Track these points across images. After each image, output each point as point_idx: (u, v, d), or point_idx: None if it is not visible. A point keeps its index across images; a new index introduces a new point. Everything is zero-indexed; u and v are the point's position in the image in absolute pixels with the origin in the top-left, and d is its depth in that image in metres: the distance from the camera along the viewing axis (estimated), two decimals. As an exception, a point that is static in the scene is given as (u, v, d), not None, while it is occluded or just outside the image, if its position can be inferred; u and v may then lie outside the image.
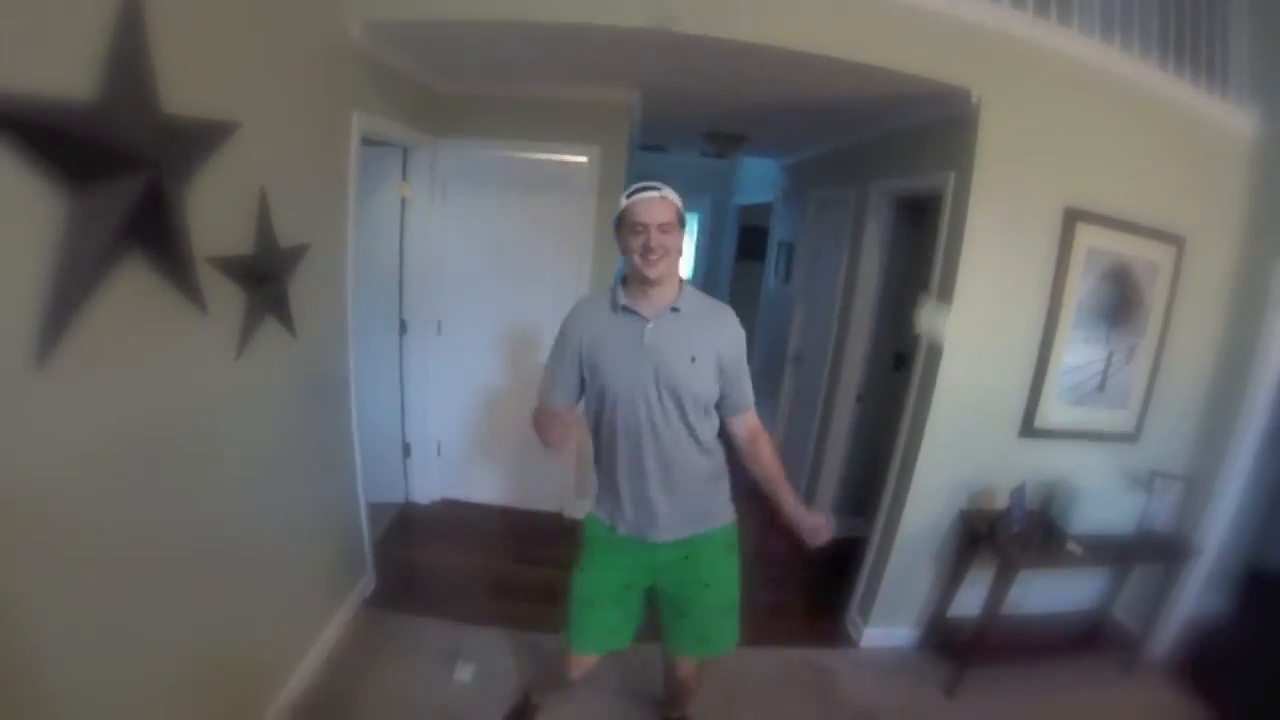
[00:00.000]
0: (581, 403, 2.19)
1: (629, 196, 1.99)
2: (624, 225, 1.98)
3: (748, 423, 2.24)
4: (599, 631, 2.28)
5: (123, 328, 1.65)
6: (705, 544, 2.20)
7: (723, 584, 2.26)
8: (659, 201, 1.95)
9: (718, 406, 2.16)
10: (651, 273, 1.96)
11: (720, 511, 2.25)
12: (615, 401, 2.04)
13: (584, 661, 2.35)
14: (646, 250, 1.94)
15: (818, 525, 2.13)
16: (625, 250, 2.00)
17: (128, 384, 1.72)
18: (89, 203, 1.46)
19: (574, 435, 2.12)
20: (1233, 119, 3.20)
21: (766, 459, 2.23)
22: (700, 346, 2.04)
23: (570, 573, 2.29)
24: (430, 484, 4.65)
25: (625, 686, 3.04)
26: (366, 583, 3.54)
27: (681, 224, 2.02)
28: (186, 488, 2.00)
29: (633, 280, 2.05)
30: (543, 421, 2.15)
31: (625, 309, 2.04)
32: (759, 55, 2.74)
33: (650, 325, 2.02)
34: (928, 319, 2.60)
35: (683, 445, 2.07)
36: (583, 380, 2.13)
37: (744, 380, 2.17)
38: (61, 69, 1.39)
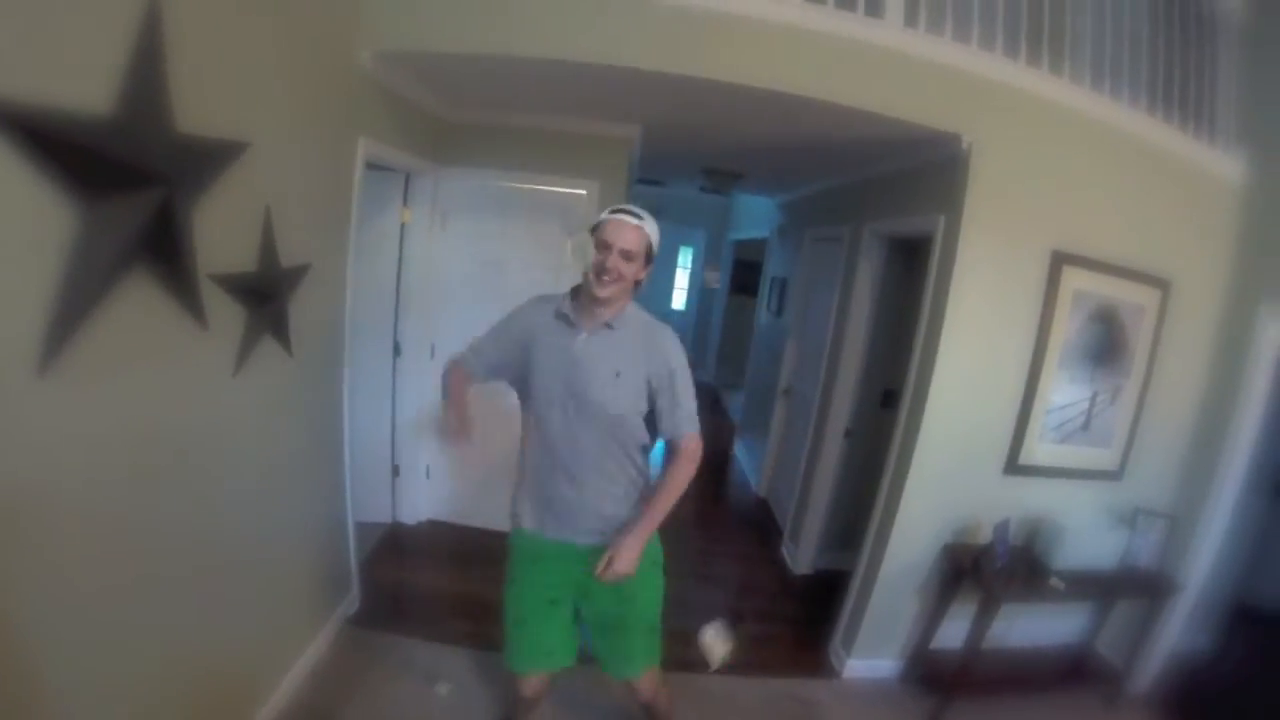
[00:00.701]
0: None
1: (610, 213, 2.03)
2: (594, 239, 2.02)
3: (676, 446, 2.16)
4: (533, 650, 2.29)
5: (124, 339, 1.68)
6: None
7: (644, 603, 2.27)
8: (633, 229, 1.99)
9: (653, 425, 2.17)
10: (600, 292, 2.00)
11: None
12: (539, 403, 2.11)
13: (531, 682, 2.36)
14: (601, 270, 1.98)
15: (624, 566, 2.06)
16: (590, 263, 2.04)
17: (126, 395, 1.74)
18: (101, 215, 1.50)
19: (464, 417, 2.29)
20: (1220, 164, 3.28)
21: (666, 479, 2.15)
22: (627, 364, 2.07)
23: (503, 591, 2.34)
24: (418, 505, 4.65)
25: (616, 710, 3.04)
26: (351, 601, 3.53)
27: (647, 259, 2.06)
28: (178, 499, 2.02)
29: (583, 292, 2.09)
30: (451, 382, 2.33)
31: (565, 317, 2.10)
32: (758, 97, 2.82)
33: (583, 337, 2.07)
34: (711, 644, 2.57)
35: (598, 454, 2.10)
36: (511, 368, 2.21)
37: (679, 404, 2.13)
38: (82, 84, 1.44)
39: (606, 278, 1.98)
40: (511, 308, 2.24)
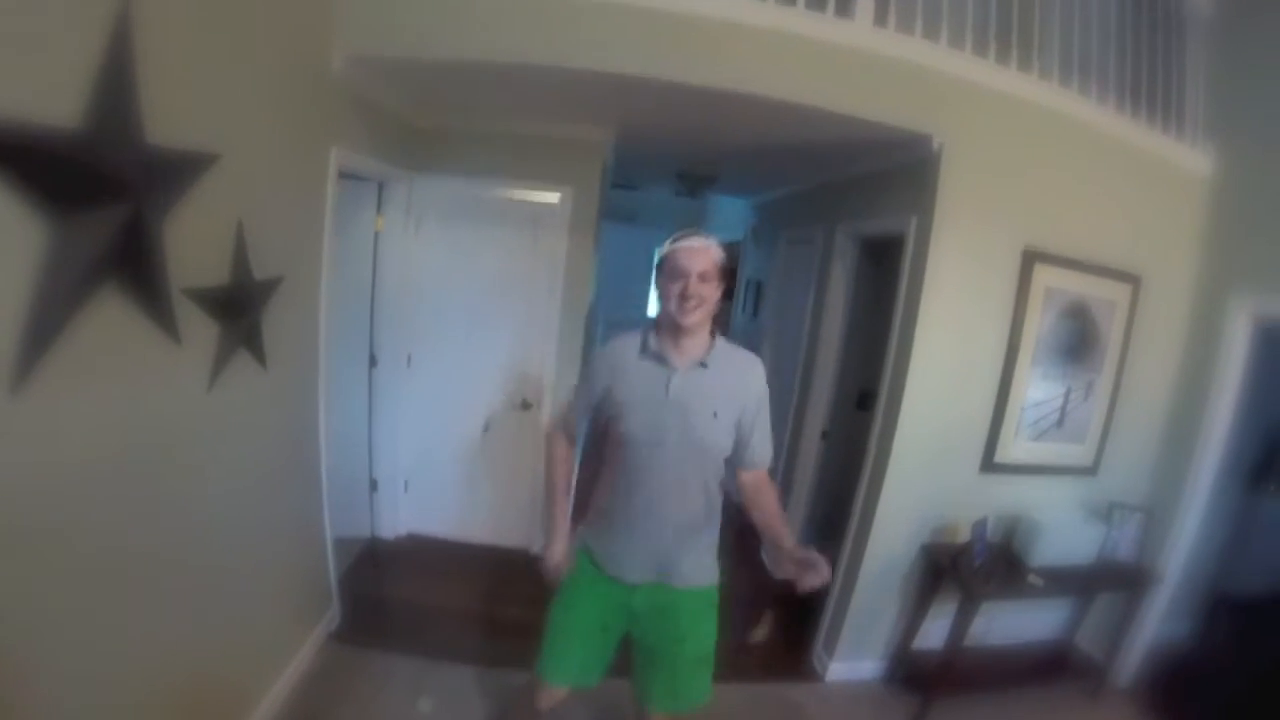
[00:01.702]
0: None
1: (673, 243, 2.02)
2: (664, 271, 2.01)
3: (756, 476, 2.23)
4: (571, 666, 2.27)
5: (97, 356, 1.65)
6: (684, 601, 2.18)
7: (698, 639, 2.24)
8: (701, 252, 1.98)
9: (731, 460, 2.16)
10: (686, 320, 1.96)
11: (705, 573, 2.22)
12: (629, 446, 2.05)
13: (554, 693, 2.33)
14: (684, 298, 1.95)
15: (817, 562, 1.94)
16: (662, 296, 2.01)
17: (100, 412, 1.71)
18: (71, 230, 1.47)
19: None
20: (1188, 160, 3.34)
21: (768, 503, 2.21)
22: (723, 402, 2.05)
23: (546, 607, 2.30)
24: (397, 519, 4.60)
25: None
26: (332, 616, 3.49)
27: (721, 277, 2.03)
28: (155, 517, 1.99)
29: (665, 326, 2.05)
30: (555, 456, 2.35)
31: (655, 355, 2.06)
32: (731, 101, 2.82)
33: (677, 375, 2.02)
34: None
35: (690, 497, 2.09)
36: (597, 413, 2.18)
37: (761, 436, 2.17)
38: (50, 97, 1.41)
39: (690, 304, 1.95)
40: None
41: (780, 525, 2.16)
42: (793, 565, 1.96)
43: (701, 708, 2.32)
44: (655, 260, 2.08)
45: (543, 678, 2.31)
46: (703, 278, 1.96)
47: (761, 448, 2.18)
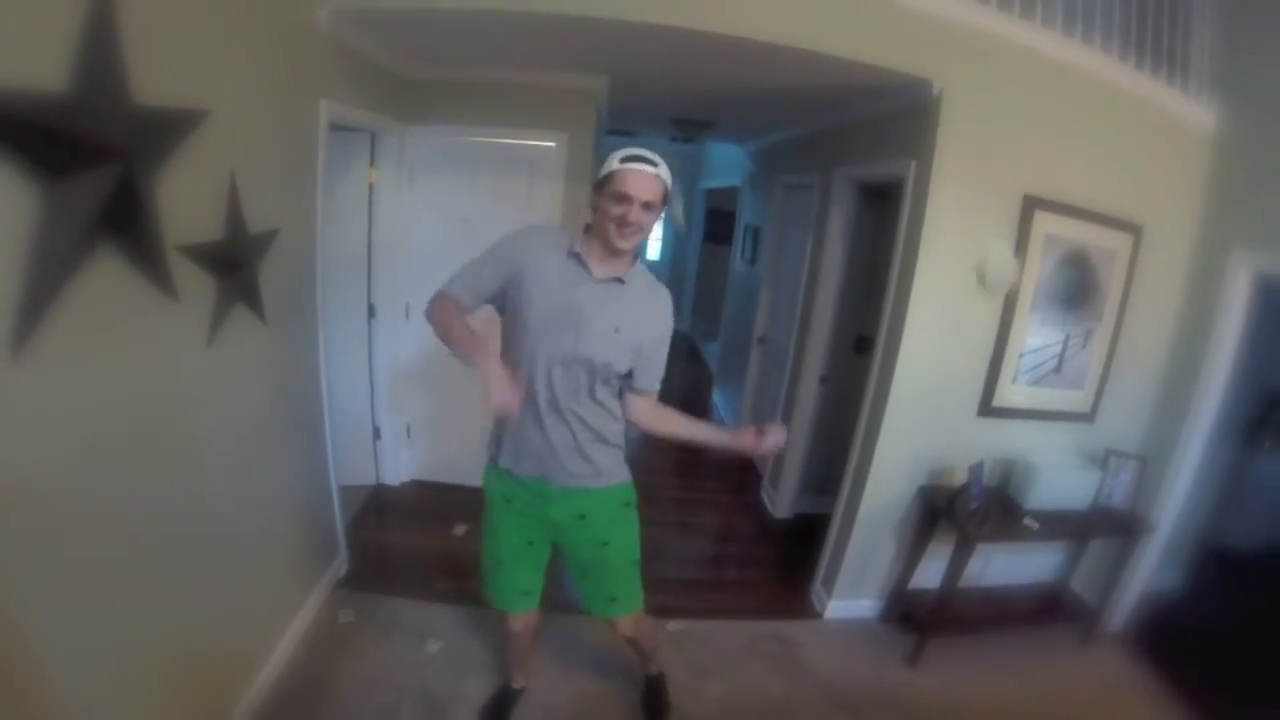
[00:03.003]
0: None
1: (622, 162, 1.90)
2: (607, 189, 1.90)
3: (648, 400, 2.23)
4: (511, 591, 2.36)
5: (95, 318, 1.65)
6: (600, 502, 2.22)
7: (622, 541, 2.30)
8: (651, 178, 1.89)
9: (626, 380, 2.16)
10: (623, 245, 1.93)
11: (611, 470, 2.23)
12: (530, 340, 2.01)
13: (516, 617, 2.44)
14: (624, 223, 1.89)
15: (761, 437, 2.08)
16: (599, 213, 1.94)
17: (101, 373, 1.72)
18: (62, 194, 1.46)
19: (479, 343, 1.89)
20: (1192, 112, 3.27)
21: (674, 417, 2.27)
22: (627, 323, 2.03)
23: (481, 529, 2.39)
24: (400, 466, 4.68)
25: (609, 657, 3.09)
26: (339, 564, 3.56)
27: (663, 204, 1.99)
28: (160, 475, 2.01)
29: (596, 239, 2.00)
30: (443, 308, 2.05)
31: (578, 258, 2.01)
32: (726, 46, 2.76)
33: (590, 284, 2.00)
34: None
35: (580, 401, 2.08)
36: (499, 295, 2.09)
37: (658, 364, 2.18)
38: (34, 62, 1.39)
39: (629, 230, 1.90)
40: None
41: (705, 428, 2.27)
42: (749, 440, 2.09)
43: (636, 612, 2.44)
44: (599, 174, 1.97)
45: (499, 608, 2.41)
46: (647, 207, 1.90)
47: (654, 374, 2.19)
